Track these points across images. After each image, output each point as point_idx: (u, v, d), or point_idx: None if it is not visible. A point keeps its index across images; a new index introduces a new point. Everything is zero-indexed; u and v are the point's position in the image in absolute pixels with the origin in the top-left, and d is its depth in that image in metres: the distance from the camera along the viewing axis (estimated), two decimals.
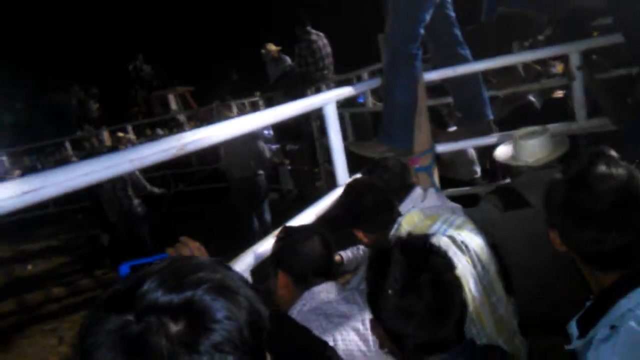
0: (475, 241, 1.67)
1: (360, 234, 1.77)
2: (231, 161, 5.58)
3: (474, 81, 2.80)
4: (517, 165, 2.20)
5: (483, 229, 1.98)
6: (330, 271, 1.45)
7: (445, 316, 0.99)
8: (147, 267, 0.68)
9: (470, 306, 1.40)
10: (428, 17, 2.47)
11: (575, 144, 2.34)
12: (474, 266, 1.59)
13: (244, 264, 1.51)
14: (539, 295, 2.00)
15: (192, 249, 1.23)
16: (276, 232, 1.64)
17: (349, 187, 1.80)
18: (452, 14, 2.73)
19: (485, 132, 2.82)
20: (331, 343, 1.24)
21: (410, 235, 1.10)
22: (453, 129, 3.49)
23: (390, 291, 1.00)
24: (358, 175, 2.13)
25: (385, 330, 1.04)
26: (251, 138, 5.36)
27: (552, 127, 2.35)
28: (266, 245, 1.57)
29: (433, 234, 1.24)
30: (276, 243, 1.49)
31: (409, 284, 0.99)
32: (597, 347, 0.99)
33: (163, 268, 0.61)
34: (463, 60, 2.75)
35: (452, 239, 1.59)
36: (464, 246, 1.60)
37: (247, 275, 1.50)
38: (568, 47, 2.65)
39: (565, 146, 2.19)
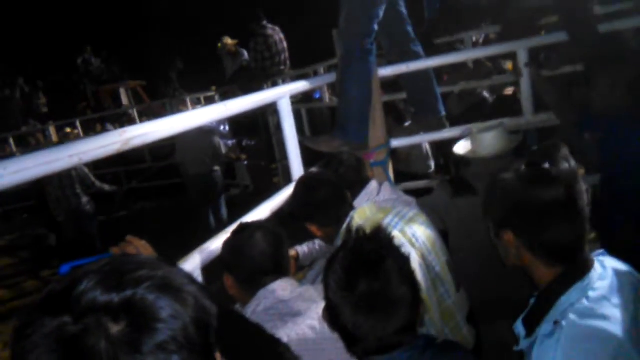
0: (425, 234, 1.69)
1: (313, 228, 1.76)
2: (186, 157, 5.46)
3: (426, 77, 2.84)
4: (473, 158, 2.27)
5: (435, 213, 2.07)
6: (280, 268, 1.41)
7: (389, 318, 0.97)
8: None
9: None
10: (381, 14, 2.48)
11: (524, 137, 2.44)
12: (423, 259, 1.61)
13: (195, 262, 1.46)
14: (488, 278, 2.08)
15: (139, 247, 1.19)
16: (228, 229, 1.60)
17: (301, 181, 1.79)
18: (404, 11, 2.76)
19: (438, 128, 2.87)
20: (285, 340, 1.22)
21: (364, 234, 1.07)
22: (409, 123, 3.54)
23: (335, 291, 0.99)
24: (312, 170, 2.12)
25: (335, 327, 1.02)
26: (206, 133, 5.26)
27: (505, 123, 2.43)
28: (218, 243, 1.53)
29: (385, 228, 1.23)
30: (223, 244, 1.46)
31: (350, 287, 0.97)
32: (542, 342, 1.02)
33: (102, 267, 0.58)
34: (415, 57, 2.79)
35: (403, 233, 1.60)
36: (414, 239, 1.62)
37: (199, 274, 1.46)
38: (516, 44, 2.72)
39: (518, 138, 2.29)
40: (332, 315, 1.01)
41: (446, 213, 2.19)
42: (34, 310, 0.55)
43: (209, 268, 1.52)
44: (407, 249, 1.53)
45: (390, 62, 2.85)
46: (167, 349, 0.54)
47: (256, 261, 1.37)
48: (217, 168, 5.52)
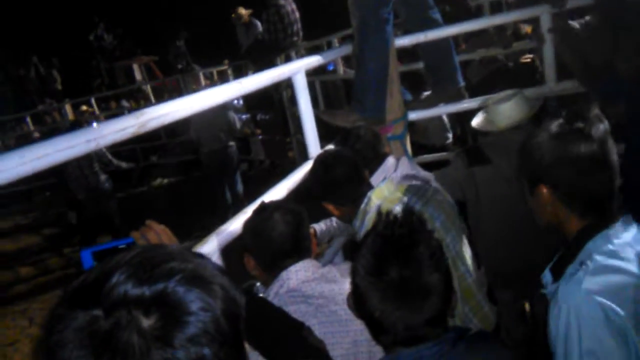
0: (445, 212, 1.67)
1: (330, 207, 1.73)
2: (201, 133, 5.45)
3: (444, 46, 2.76)
4: (491, 130, 2.23)
5: (455, 183, 2.11)
6: (301, 249, 1.38)
7: (419, 307, 0.93)
8: (111, 253, 0.64)
9: None
10: None
11: (543, 106, 2.37)
12: (442, 239, 1.59)
13: (214, 243, 1.46)
14: (507, 246, 2.08)
15: (159, 232, 1.18)
16: (247, 209, 1.59)
17: (318, 160, 1.75)
18: None
19: (457, 98, 2.80)
20: (314, 322, 1.22)
21: (394, 217, 1.01)
22: (428, 94, 3.47)
23: (363, 276, 0.96)
24: (329, 147, 2.09)
25: (362, 314, 0.99)
26: (221, 109, 5.23)
27: (524, 91, 2.36)
28: (237, 224, 1.52)
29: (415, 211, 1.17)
30: (244, 225, 1.44)
31: (379, 272, 0.94)
32: (568, 281, 1.09)
33: (131, 259, 0.58)
34: (435, 25, 2.69)
35: (421, 212, 1.57)
36: (433, 219, 1.60)
37: (218, 255, 1.46)
38: (539, 9, 2.61)
39: (536, 105, 2.24)
40: (358, 302, 0.98)
41: (465, 183, 2.19)
42: (64, 303, 0.55)
43: (229, 248, 1.52)
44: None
45: (407, 31, 2.77)
46: (199, 341, 0.54)
47: (276, 243, 1.35)
48: (232, 143, 5.52)
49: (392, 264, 0.93)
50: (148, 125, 1.27)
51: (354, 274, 0.99)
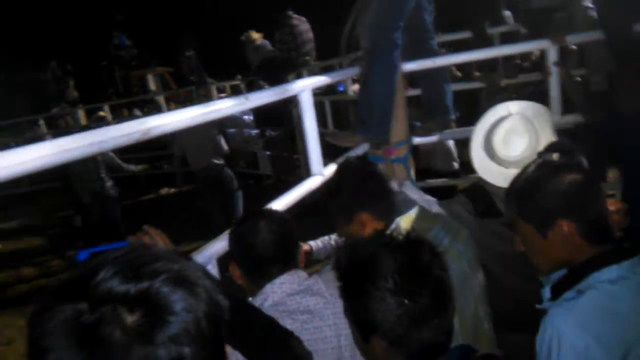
0: (470, 251, 1.59)
1: (365, 217, 1.50)
2: (187, 151, 5.22)
3: (441, 75, 2.79)
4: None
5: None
6: (286, 257, 1.35)
7: (446, 318, 0.95)
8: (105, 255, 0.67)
9: (458, 317, 1.26)
10: (411, 8, 2.45)
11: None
12: (469, 277, 1.52)
13: (211, 252, 1.48)
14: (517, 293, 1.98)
15: (155, 237, 1.21)
16: None
17: (347, 166, 1.63)
18: (427, 5, 2.70)
19: (446, 127, 2.83)
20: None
21: (408, 236, 0.99)
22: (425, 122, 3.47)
23: (393, 295, 0.92)
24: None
25: (384, 337, 0.94)
26: (207, 129, 4.89)
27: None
28: None
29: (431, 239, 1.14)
30: (229, 234, 1.43)
31: (415, 286, 0.92)
32: (560, 304, 1.10)
33: (119, 257, 0.60)
34: (432, 54, 2.73)
35: (450, 249, 1.51)
36: (461, 255, 1.54)
37: (214, 264, 1.47)
38: (546, 42, 2.65)
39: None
40: (379, 319, 0.93)
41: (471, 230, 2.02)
42: (51, 296, 0.57)
43: (224, 259, 1.52)
44: (454, 265, 1.45)
45: (409, 58, 2.80)
46: (179, 341, 0.55)
47: (259, 249, 1.32)
48: (221, 162, 5.15)
49: (421, 284, 0.93)
50: (151, 132, 1.30)
51: (367, 299, 0.94)
